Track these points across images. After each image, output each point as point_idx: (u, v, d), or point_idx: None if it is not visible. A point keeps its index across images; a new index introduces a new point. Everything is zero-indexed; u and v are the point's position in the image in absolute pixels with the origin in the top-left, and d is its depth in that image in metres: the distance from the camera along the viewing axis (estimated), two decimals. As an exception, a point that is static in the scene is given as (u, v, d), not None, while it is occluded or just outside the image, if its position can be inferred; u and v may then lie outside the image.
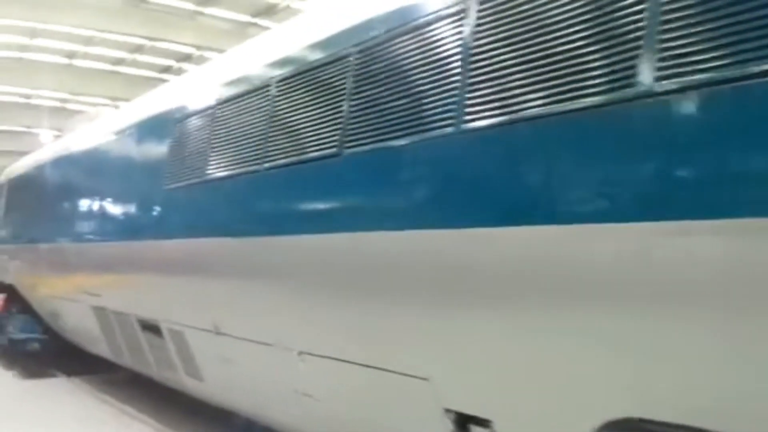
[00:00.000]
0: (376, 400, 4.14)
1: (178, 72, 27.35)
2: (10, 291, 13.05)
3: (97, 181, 8.32)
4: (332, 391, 4.53)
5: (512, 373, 3.26)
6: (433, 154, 3.46)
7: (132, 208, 7.20)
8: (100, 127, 9.09)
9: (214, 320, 5.69)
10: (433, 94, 3.51)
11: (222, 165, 5.47)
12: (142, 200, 6.97)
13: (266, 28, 21.27)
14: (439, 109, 3.45)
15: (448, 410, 3.65)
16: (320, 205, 4.38)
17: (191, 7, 22.06)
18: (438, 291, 3.47)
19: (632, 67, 2.67)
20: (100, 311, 8.37)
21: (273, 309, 4.89)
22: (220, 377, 6.16)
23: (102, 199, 8.03)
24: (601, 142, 2.77)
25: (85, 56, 27.40)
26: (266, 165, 4.85)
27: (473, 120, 3.28)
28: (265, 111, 4.98)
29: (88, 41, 25.59)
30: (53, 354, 12.14)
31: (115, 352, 8.66)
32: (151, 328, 7.13)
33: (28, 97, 33.76)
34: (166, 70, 28.71)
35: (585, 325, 2.82)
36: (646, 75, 2.62)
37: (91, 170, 8.61)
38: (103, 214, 7.96)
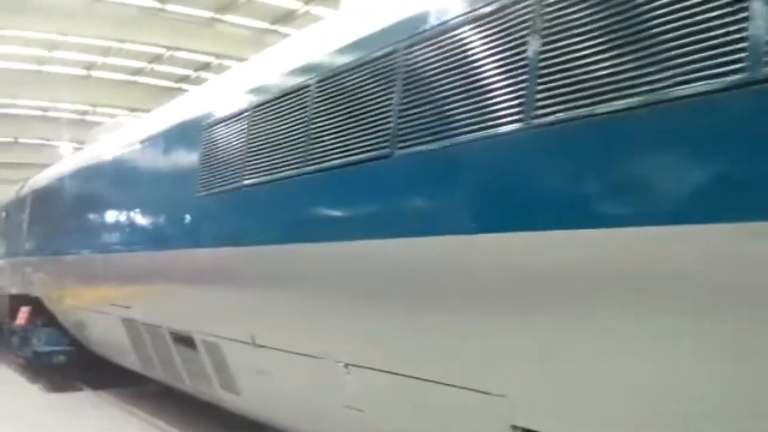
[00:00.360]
0: (434, 417, 3.88)
1: (196, 81, 27.30)
2: (35, 303, 12.95)
3: (123, 191, 8.15)
4: (385, 405, 4.27)
5: (604, 390, 2.99)
6: (501, 151, 3.21)
7: (162, 217, 7.02)
8: (125, 135, 8.93)
9: (251, 332, 5.47)
10: (500, 87, 3.26)
11: (259, 170, 5.25)
12: (172, 209, 6.77)
13: (285, 35, 21.16)
14: (508, 103, 3.20)
15: (515, 427, 3.39)
16: (371, 209, 4.13)
17: (209, 14, 21.95)
18: (513, 299, 3.21)
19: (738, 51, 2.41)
20: (129, 323, 8.19)
21: (317, 319, 4.65)
22: (258, 390, 5.93)
23: (130, 208, 7.84)
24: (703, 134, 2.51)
25: (104, 67, 27.41)
26: (308, 168, 4.62)
27: (547, 114, 3.02)
28: (304, 113, 4.76)
29: (106, 52, 25.60)
30: (79, 366, 12.00)
31: (146, 365, 8.47)
32: (184, 340, 6.93)
33: (46, 109, 33.87)
34: (184, 79, 28.69)
35: (687, 335, 2.56)
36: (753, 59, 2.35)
37: (117, 179, 8.45)
38: (131, 224, 7.77)
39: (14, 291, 14.43)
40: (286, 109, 5.00)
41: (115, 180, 8.49)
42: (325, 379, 4.70)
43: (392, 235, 3.80)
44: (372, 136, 4.03)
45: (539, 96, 3.07)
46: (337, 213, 4.42)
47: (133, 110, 28.49)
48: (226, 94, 6.23)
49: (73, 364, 12.04)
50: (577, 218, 2.84)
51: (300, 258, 4.65)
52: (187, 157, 6.62)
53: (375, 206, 4.07)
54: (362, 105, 4.22)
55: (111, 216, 8.43)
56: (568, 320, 2.98)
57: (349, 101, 4.35)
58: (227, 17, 22.28)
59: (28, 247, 13.01)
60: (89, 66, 27.35)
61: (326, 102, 4.56)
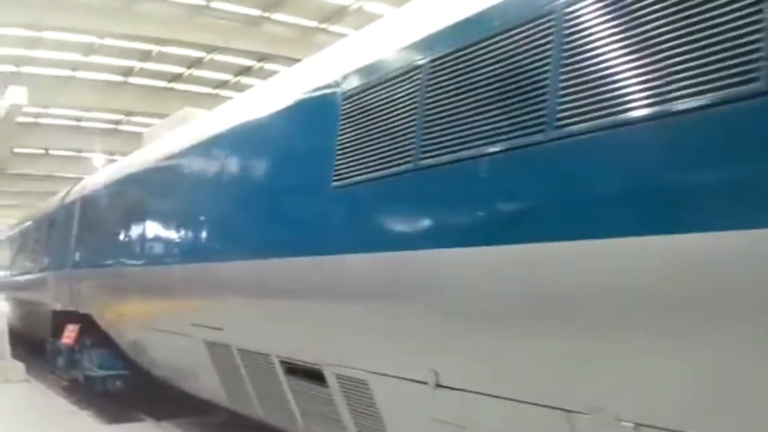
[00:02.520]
0: None
1: (236, 87, 26.05)
2: (83, 321, 11.62)
3: (215, 188, 6.69)
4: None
5: None
6: None
7: (277, 216, 5.53)
8: (211, 123, 7.49)
9: (431, 367, 3.99)
10: None
11: (451, 143, 3.78)
12: (293, 205, 5.31)
13: (335, 34, 19.78)
14: None
15: None
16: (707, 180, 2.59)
17: (257, 12, 20.63)
18: None
19: None
20: (217, 348, 6.75)
21: (583, 356, 3.13)
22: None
23: (224, 208, 6.40)
24: None
25: (141, 73, 26.22)
26: (559, 132, 3.14)
27: None
28: (547, 53, 3.28)
29: (146, 56, 24.41)
30: (137, 393, 10.59)
31: (235, 398, 7.01)
32: (302, 372, 5.47)
33: (78, 119, 32.78)
34: (223, 85, 27.46)
35: None
36: None
37: (205, 175, 6.98)
38: (226, 228, 6.31)
39: (59, 307, 13.10)
40: (506, 54, 3.52)
41: (201, 176, 7.03)
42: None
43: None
44: (725, 63, 2.53)
45: None
46: (631, 193, 2.87)
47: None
48: (376, 51, 4.74)
49: (130, 390, 10.66)
50: None
51: (551, 263, 3.14)
52: (312, 140, 5.18)
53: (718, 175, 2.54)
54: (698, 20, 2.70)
55: (195, 220, 6.99)
56: None
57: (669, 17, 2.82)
58: (275, 15, 20.95)
59: (78, 259, 11.65)
60: (126, 72, 26.17)
61: (594, 32, 3.08)
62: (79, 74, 26.12)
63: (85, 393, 11.52)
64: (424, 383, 4.07)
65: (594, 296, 2.95)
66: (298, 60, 7.12)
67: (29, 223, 17.31)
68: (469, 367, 3.82)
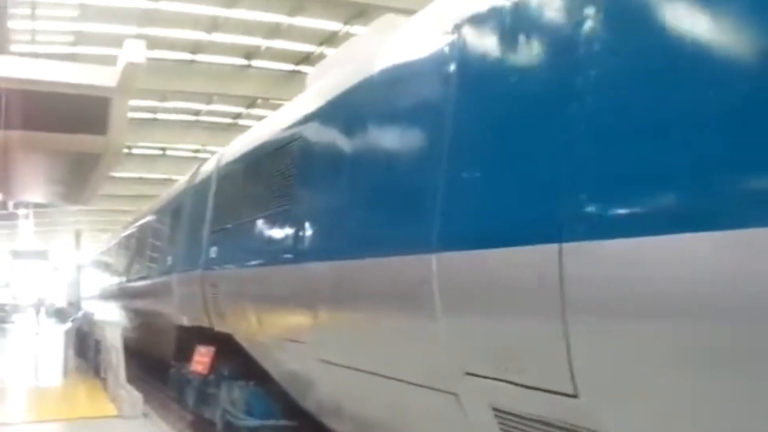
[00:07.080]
0: None
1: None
2: (219, 341, 8.38)
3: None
4: None
5: None
6: None
7: None
8: None
9: None
10: None
11: None
12: None
13: None
14: None
15: None
16: None
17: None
18: None
19: None
20: (542, 428, 3.09)
21: None
22: None
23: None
24: None
25: (266, 54, 23.35)
26: None
27: None
28: None
29: (274, 32, 21.46)
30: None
31: None
32: None
33: (197, 113, 30.39)
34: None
35: None
36: None
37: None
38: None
39: (185, 321, 9.92)
40: None
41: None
42: None
43: None
44: None
45: None
46: None
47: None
48: None
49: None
50: None
51: None
52: None
53: None
54: None
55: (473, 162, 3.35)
56: None
57: None
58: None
59: (214, 255, 8.35)
60: (250, 54, 23.34)
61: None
62: (200, 57, 23.51)
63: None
64: None
65: None
66: None
67: (149, 217, 14.40)
68: None
